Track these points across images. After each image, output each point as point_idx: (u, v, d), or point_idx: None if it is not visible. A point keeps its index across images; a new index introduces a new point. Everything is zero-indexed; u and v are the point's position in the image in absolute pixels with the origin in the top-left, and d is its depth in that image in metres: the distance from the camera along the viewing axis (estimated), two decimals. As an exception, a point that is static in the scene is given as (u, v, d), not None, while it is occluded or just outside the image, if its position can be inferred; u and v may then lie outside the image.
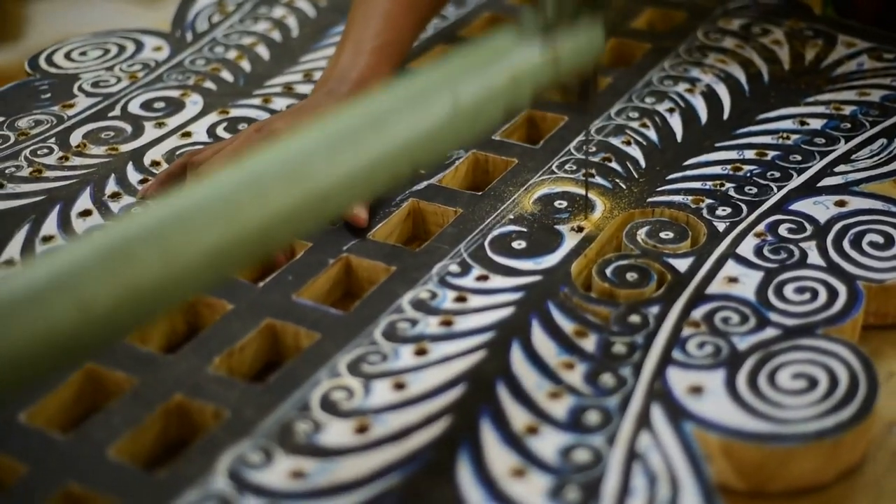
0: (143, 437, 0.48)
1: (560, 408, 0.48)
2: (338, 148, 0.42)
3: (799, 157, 0.65)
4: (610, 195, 0.63)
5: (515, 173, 0.65)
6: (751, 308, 0.53)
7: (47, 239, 0.61)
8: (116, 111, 0.74)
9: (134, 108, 0.75)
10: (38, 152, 0.70)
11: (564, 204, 0.62)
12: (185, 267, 0.38)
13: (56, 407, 0.50)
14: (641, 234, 0.59)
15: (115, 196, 0.65)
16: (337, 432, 0.47)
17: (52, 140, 0.71)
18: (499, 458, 0.46)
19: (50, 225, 0.62)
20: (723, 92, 0.74)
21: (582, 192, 0.62)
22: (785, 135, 0.68)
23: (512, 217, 0.61)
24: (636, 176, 0.64)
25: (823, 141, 0.67)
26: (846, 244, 0.57)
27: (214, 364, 0.51)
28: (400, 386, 0.50)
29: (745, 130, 0.69)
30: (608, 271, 0.56)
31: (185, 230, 0.38)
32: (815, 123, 0.69)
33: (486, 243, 0.59)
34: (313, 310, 0.55)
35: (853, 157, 0.65)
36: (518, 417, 0.48)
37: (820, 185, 0.63)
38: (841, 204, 0.61)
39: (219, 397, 0.49)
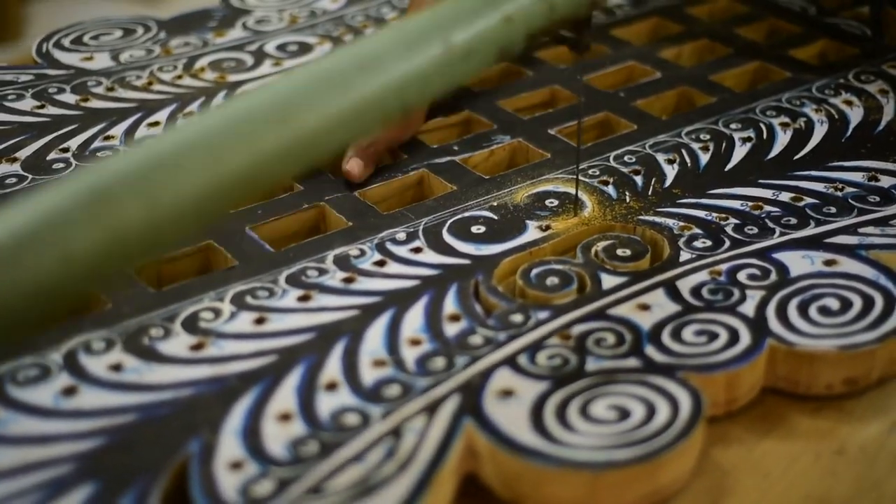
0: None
1: (371, 375, 0.49)
2: (326, 89, 0.42)
3: (833, 210, 0.60)
4: (606, 204, 0.61)
5: (538, 167, 0.65)
6: (634, 336, 0.51)
7: (109, 137, 0.69)
8: (253, 47, 0.81)
9: (270, 47, 0.81)
10: (164, 69, 0.78)
11: (555, 203, 0.61)
12: (170, 211, 0.37)
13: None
14: (599, 247, 0.57)
15: (188, 115, 0.72)
16: (178, 344, 0.51)
17: (183, 61, 0.79)
18: (281, 401, 0.48)
19: (119, 129, 0.70)
20: (818, 132, 0.69)
21: (584, 197, 0.61)
22: (840, 186, 0.63)
23: (495, 204, 0.61)
24: (649, 193, 0.62)
25: (877, 199, 0.61)
26: (794, 301, 0.53)
27: (138, 266, 0.57)
28: (260, 321, 0.53)
29: (803, 173, 0.64)
30: (535, 271, 0.55)
31: (169, 174, 0.38)
32: (886, 182, 0.63)
33: (448, 222, 0.60)
34: (253, 242, 0.59)
35: (892, 221, 0.59)
36: (329, 373, 0.49)
37: (829, 240, 0.58)
38: (830, 263, 0.56)
39: (115, 290, 0.55)
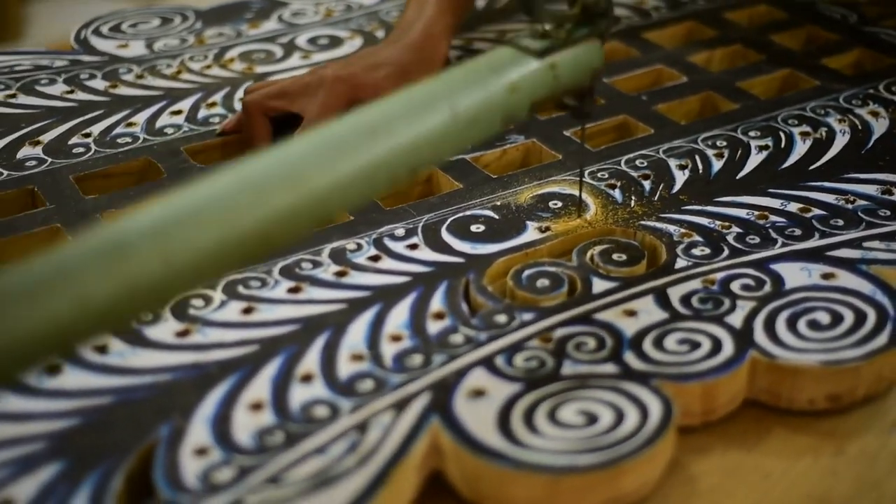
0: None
1: (348, 369, 0.49)
2: (336, 153, 0.43)
3: (840, 223, 0.59)
4: (609, 207, 0.61)
5: (547, 168, 0.65)
6: (615, 342, 0.51)
7: (131, 124, 0.71)
8: (285, 40, 0.82)
9: (301, 40, 0.82)
10: (195, 58, 0.79)
11: (559, 205, 0.61)
12: (185, 266, 0.39)
13: None
14: (595, 250, 0.57)
15: (211, 105, 0.73)
16: (165, 329, 0.52)
17: (214, 51, 0.80)
18: (256, 390, 0.48)
19: (142, 116, 0.72)
20: (839, 143, 0.67)
21: (589, 200, 0.61)
22: (852, 198, 0.61)
23: (498, 204, 0.61)
24: (655, 198, 0.62)
25: (887, 214, 0.60)
26: (784, 314, 0.52)
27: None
28: (248, 310, 0.53)
29: (816, 183, 0.63)
30: (527, 273, 0.55)
31: (185, 230, 0.39)
32: (900, 196, 0.62)
33: (449, 220, 0.60)
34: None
35: (899, 237, 0.58)
36: (307, 365, 0.50)
37: (831, 253, 0.57)
38: (827, 276, 0.55)
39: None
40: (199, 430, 0.46)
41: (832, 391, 0.50)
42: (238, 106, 0.71)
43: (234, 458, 0.44)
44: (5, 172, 0.65)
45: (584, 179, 0.63)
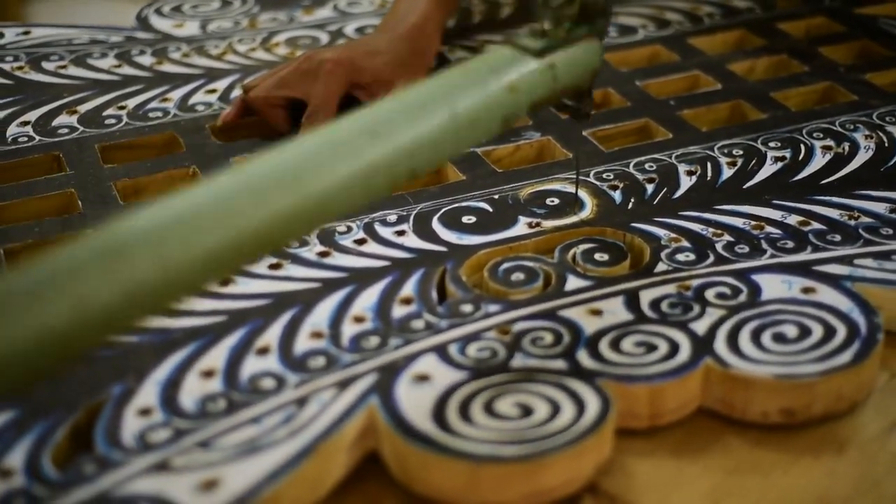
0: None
1: (304, 345, 0.51)
2: (335, 154, 0.44)
3: (837, 238, 0.58)
4: (606, 208, 0.61)
5: (554, 165, 0.65)
6: (572, 339, 0.51)
7: (166, 100, 0.73)
8: (334, 27, 0.84)
9: (349, 29, 0.84)
10: (243, 40, 0.82)
11: (556, 202, 0.62)
12: (182, 270, 0.38)
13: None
14: (579, 249, 0.57)
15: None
16: (143, 295, 0.54)
17: (263, 35, 0.83)
18: (212, 358, 0.50)
19: (178, 93, 0.74)
20: (859, 159, 0.66)
21: (587, 200, 0.61)
22: (857, 214, 0.60)
23: (495, 198, 0.62)
24: (654, 202, 0.62)
25: (889, 233, 0.58)
26: (751, 324, 0.51)
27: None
28: (226, 282, 0.55)
29: (823, 197, 0.62)
30: (504, 266, 0.56)
31: (182, 234, 0.38)
32: (909, 215, 0.60)
33: (443, 210, 0.61)
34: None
35: (894, 256, 0.56)
36: (267, 338, 0.51)
37: (818, 268, 0.56)
38: (807, 290, 0.54)
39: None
40: (148, 392, 0.48)
41: (786, 405, 0.49)
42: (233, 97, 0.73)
43: (172, 421, 0.46)
44: (37, 138, 0.68)
45: (587, 179, 0.63)
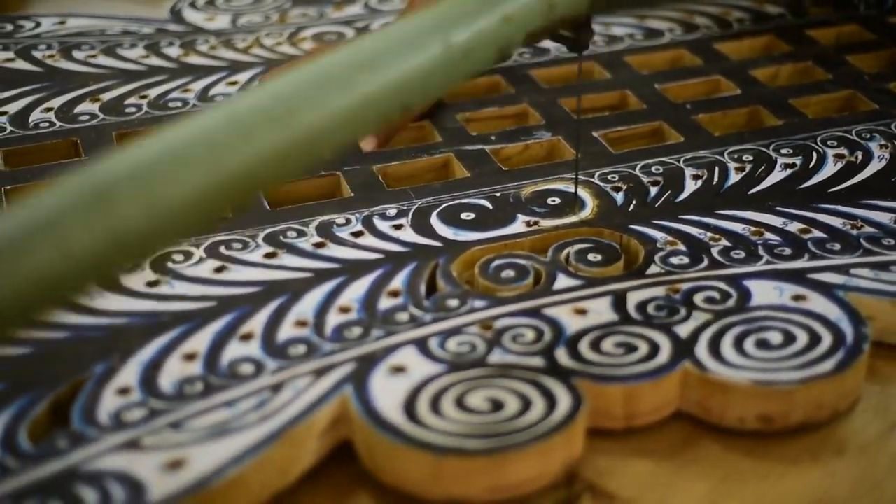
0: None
1: (287, 333, 0.51)
2: (325, 89, 0.42)
3: (836, 247, 0.57)
4: (606, 209, 0.61)
5: (560, 165, 0.66)
6: (553, 337, 0.51)
7: (187, 90, 0.75)
8: (361, 24, 0.85)
9: (376, 26, 0.84)
10: (271, 35, 0.83)
11: (557, 201, 0.62)
12: (169, 211, 0.37)
13: None
14: (573, 249, 0.57)
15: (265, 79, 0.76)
16: (138, 279, 0.55)
17: (291, 30, 0.84)
18: (196, 342, 0.51)
19: (199, 84, 0.76)
20: (871, 168, 0.65)
21: (588, 200, 0.61)
22: (860, 224, 0.59)
23: (497, 195, 0.62)
24: (656, 204, 0.61)
25: (891, 243, 0.58)
26: (735, 329, 0.51)
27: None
28: (220, 269, 0.56)
29: (828, 206, 0.61)
30: (496, 263, 0.56)
31: (168, 174, 0.38)
32: (914, 226, 0.59)
33: (443, 205, 0.61)
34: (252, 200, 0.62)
35: (893, 267, 0.56)
36: (252, 325, 0.52)
37: (813, 276, 0.55)
38: (798, 298, 0.53)
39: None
40: (129, 372, 0.49)
41: (763, 412, 0.48)
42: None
43: (148, 401, 0.47)
44: (58, 124, 0.70)
45: (591, 180, 0.63)
